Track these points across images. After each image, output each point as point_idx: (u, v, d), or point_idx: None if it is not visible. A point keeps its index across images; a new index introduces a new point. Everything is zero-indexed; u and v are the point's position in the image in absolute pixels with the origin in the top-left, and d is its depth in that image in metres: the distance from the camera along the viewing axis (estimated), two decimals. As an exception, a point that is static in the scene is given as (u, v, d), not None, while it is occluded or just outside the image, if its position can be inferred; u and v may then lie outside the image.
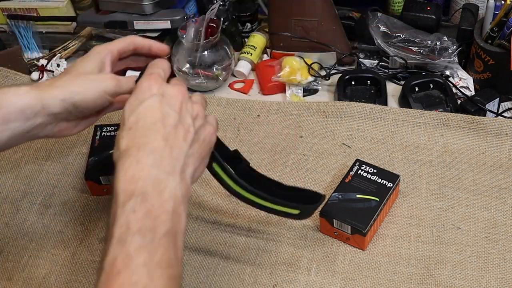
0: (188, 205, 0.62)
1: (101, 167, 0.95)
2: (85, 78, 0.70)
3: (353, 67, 1.17)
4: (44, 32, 1.27)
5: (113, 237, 0.56)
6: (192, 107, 0.65)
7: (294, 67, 1.12)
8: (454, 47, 1.10)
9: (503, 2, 1.03)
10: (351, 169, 0.90)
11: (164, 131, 0.61)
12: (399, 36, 1.12)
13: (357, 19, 1.20)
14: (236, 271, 0.84)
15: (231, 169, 0.73)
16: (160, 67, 0.68)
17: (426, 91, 1.08)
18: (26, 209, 0.95)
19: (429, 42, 1.11)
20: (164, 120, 0.61)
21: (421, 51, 1.11)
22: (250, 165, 0.79)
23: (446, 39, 1.10)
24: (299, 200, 0.79)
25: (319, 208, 0.86)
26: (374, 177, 0.89)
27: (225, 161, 0.73)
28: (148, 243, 0.56)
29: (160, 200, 0.57)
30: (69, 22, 1.26)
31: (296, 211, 0.79)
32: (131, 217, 0.56)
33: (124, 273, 0.54)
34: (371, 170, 0.90)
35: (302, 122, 1.05)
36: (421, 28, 1.14)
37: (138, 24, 1.12)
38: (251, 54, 1.19)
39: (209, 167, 0.71)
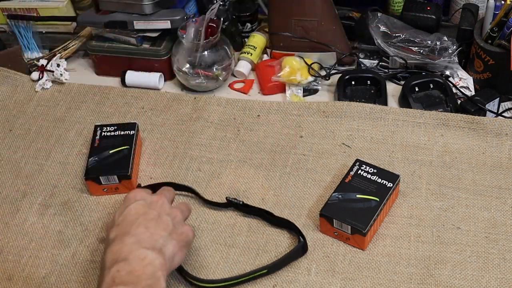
0: (166, 278, 0.71)
1: (101, 167, 0.95)
2: None
3: (353, 67, 1.17)
4: (44, 32, 1.27)
5: None
6: (170, 210, 0.78)
7: (294, 67, 1.12)
8: (454, 47, 1.10)
9: (503, 2, 1.03)
10: (351, 169, 0.90)
11: (145, 223, 0.74)
12: (399, 36, 1.12)
13: (357, 19, 1.20)
14: (236, 271, 0.84)
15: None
16: (143, 190, 0.83)
17: (426, 91, 1.08)
18: (26, 209, 0.95)
19: (429, 42, 1.11)
20: (146, 215, 0.75)
21: (421, 51, 1.11)
22: (243, 202, 0.91)
23: (446, 39, 1.10)
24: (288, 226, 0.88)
25: (319, 208, 0.86)
26: (374, 177, 0.89)
27: None
28: None
29: (140, 265, 0.69)
30: (69, 22, 1.26)
31: (265, 271, 0.83)
32: (116, 274, 0.68)
33: None
34: (371, 170, 0.90)
35: (302, 122, 1.05)
36: (421, 28, 1.14)
37: (138, 24, 1.12)
38: (251, 54, 1.19)
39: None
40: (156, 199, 0.79)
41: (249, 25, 1.26)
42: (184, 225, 0.79)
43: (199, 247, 0.87)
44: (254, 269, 0.83)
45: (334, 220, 0.84)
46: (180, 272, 0.83)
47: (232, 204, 0.92)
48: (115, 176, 0.94)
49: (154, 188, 0.89)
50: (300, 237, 0.85)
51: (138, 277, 0.68)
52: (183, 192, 0.95)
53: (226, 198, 0.92)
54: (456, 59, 1.10)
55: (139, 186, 0.94)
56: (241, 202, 0.91)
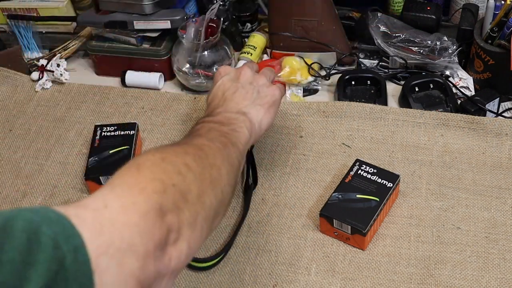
0: (252, 135, 0.79)
1: (101, 167, 0.95)
2: None
3: (353, 67, 1.17)
4: (44, 32, 1.27)
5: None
6: (253, 78, 0.86)
7: (294, 67, 1.12)
8: (454, 47, 1.10)
9: (503, 2, 1.03)
10: (351, 169, 0.90)
11: (230, 96, 0.82)
12: (399, 36, 1.12)
13: (357, 19, 1.20)
14: (236, 271, 0.84)
15: None
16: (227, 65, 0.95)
17: (426, 91, 1.08)
18: (26, 209, 0.95)
19: (429, 42, 1.10)
20: (230, 90, 0.84)
21: (421, 51, 1.11)
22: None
23: (446, 39, 1.10)
24: None
25: (319, 208, 0.86)
26: (374, 177, 0.88)
27: None
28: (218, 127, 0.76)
29: (225, 118, 0.78)
30: (69, 22, 1.26)
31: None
32: (200, 121, 0.78)
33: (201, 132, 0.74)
34: (371, 170, 0.90)
35: (302, 122, 1.05)
36: (421, 28, 1.14)
37: (138, 24, 1.12)
38: (251, 54, 1.19)
39: None
40: (239, 71, 0.87)
41: (249, 25, 1.26)
42: (269, 86, 0.86)
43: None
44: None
45: (334, 220, 0.84)
46: None
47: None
48: (115, 176, 0.94)
49: None
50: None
51: (221, 122, 0.76)
52: None
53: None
54: (456, 59, 1.10)
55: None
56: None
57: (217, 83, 0.86)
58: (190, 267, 0.84)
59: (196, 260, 0.84)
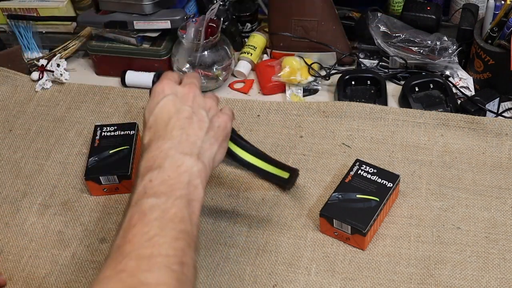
0: (206, 185, 0.66)
1: (101, 167, 0.95)
2: None
3: (353, 67, 1.17)
4: (44, 32, 1.27)
5: (131, 202, 0.63)
6: (204, 101, 0.72)
7: (294, 67, 1.12)
8: (454, 47, 1.10)
9: (503, 2, 1.03)
10: (351, 169, 0.90)
11: (180, 123, 0.67)
12: (399, 36, 1.12)
13: (357, 19, 1.20)
14: (236, 271, 0.84)
15: (237, 138, 0.81)
16: (171, 73, 0.75)
17: (426, 91, 1.08)
18: (26, 209, 0.95)
19: (429, 42, 1.10)
20: (179, 114, 0.68)
21: (421, 51, 1.11)
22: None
23: (446, 39, 1.10)
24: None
25: (319, 208, 0.86)
26: (374, 177, 0.88)
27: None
28: (162, 203, 0.62)
29: (176, 173, 0.64)
30: (69, 22, 1.26)
31: (286, 175, 0.89)
32: (148, 184, 0.63)
33: (138, 226, 0.60)
34: (371, 170, 0.90)
35: (302, 122, 1.05)
36: (421, 28, 1.14)
37: (138, 24, 1.12)
38: (251, 54, 1.19)
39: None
40: (187, 91, 0.71)
41: (249, 25, 1.26)
42: (220, 115, 0.72)
43: (199, 247, 0.87)
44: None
45: (334, 220, 0.84)
46: None
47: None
48: (115, 176, 0.94)
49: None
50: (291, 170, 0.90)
51: (172, 187, 0.63)
52: None
53: None
54: (456, 59, 1.10)
55: (156, 72, 0.84)
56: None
57: (160, 102, 0.69)
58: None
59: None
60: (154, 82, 0.80)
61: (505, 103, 1.07)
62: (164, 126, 0.67)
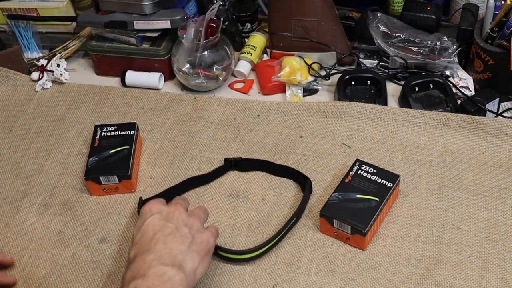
0: None
1: (101, 167, 0.95)
2: None
3: (353, 67, 1.17)
4: (44, 32, 1.27)
5: None
6: (188, 220, 0.77)
7: (294, 67, 1.12)
8: (454, 47, 1.10)
9: (503, 2, 1.03)
10: (351, 169, 0.90)
11: (163, 239, 0.72)
12: (399, 36, 1.12)
13: (357, 19, 1.20)
14: (236, 271, 0.84)
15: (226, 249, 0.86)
16: (157, 199, 0.81)
17: (426, 91, 1.08)
18: (26, 209, 0.95)
19: (429, 42, 1.10)
20: (163, 231, 0.73)
21: (421, 51, 1.11)
22: (241, 158, 0.97)
23: (446, 39, 1.10)
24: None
25: (319, 208, 0.86)
26: (374, 177, 0.88)
27: None
28: None
29: (159, 281, 0.67)
30: (69, 22, 1.26)
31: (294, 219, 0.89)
32: (138, 284, 0.67)
33: None
34: (371, 170, 0.90)
35: (302, 122, 1.05)
36: (421, 28, 1.14)
37: (138, 24, 1.12)
38: (251, 54, 1.19)
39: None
40: (172, 210, 0.77)
41: (249, 25, 1.26)
42: (203, 231, 0.77)
43: None
44: (285, 224, 0.87)
45: (334, 220, 0.84)
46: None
47: (230, 164, 0.97)
48: (115, 176, 0.94)
49: (163, 196, 0.89)
50: (304, 179, 0.93)
51: None
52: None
53: (225, 159, 0.97)
54: (456, 59, 1.10)
55: (140, 199, 0.92)
56: (238, 159, 0.97)
57: (147, 220, 0.75)
58: (229, 259, 0.85)
59: (237, 252, 0.85)
60: (139, 206, 0.91)
61: (505, 103, 1.07)
62: (149, 241, 0.73)
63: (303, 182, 0.93)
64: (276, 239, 0.85)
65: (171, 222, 0.75)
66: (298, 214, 0.89)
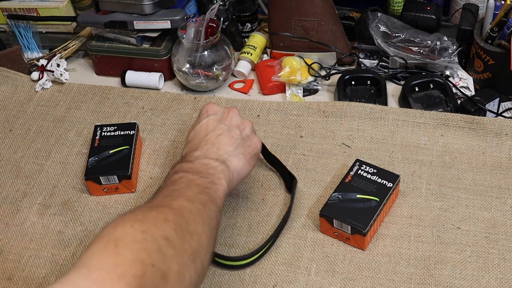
0: (228, 188, 0.75)
1: (101, 167, 0.95)
2: None
3: (353, 67, 1.17)
4: (44, 32, 1.27)
5: (161, 186, 0.73)
6: (242, 122, 0.82)
7: (294, 67, 1.12)
8: (454, 47, 1.10)
9: (503, 2, 1.03)
10: (351, 169, 0.90)
11: (213, 139, 0.78)
12: (399, 36, 1.12)
13: (357, 19, 1.20)
14: (236, 271, 0.84)
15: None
16: (215, 103, 0.86)
17: (426, 91, 1.08)
18: (26, 209, 0.95)
19: (429, 42, 1.11)
20: (215, 131, 0.79)
21: (421, 51, 1.11)
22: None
23: (446, 39, 1.10)
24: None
25: (319, 208, 0.86)
26: (374, 177, 0.88)
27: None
28: (190, 176, 0.72)
29: (203, 166, 0.74)
30: (69, 22, 1.26)
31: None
32: (178, 168, 0.75)
33: (168, 186, 0.72)
34: (371, 170, 0.90)
35: (302, 122, 1.05)
36: (421, 28, 1.14)
37: (138, 24, 1.12)
38: (251, 54, 1.19)
39: None
40: (227, 111, 0.82)
41: (249, 25, 1.26)
42: (253, 136, 0.82)
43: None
44: (278, 226, 0.87)
45: (334, 220, 0.84)
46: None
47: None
48: (115, 176, 0.94)
49: None
50: (289, 176, 0.94)
51: (199, 172, 0.72)
52: None
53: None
54: (456, 59, 1.10)
55: None
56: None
57: (202, 121, 0.81)
58: (225, 266, 0.85)
59: (233, 258, 0.84)
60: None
61: (505, 103, 1.07)
62: (199, 141, 0.79)
63: (289, 180, 0.94)
64: (267, 246, 0.85)
65: (224, 123, 0.80)
66: (286, 217, 0.89)
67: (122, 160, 0.96)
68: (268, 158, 0.97)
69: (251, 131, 0.83)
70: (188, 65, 1.11)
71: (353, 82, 1.11)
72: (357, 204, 0.85)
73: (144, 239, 0.57)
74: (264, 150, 0.96)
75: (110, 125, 1.01)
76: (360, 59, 1.17)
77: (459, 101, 1.07)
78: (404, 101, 1.07)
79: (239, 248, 0.87)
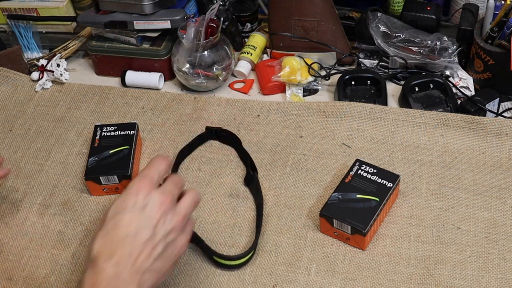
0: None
1: (101, 167, 0.95)
2: None
3: (353, 67, 1.17)
4: (44, 32, 1.27)
5: None
6: (171, 220, 0.68)
7: (294, 67, 1.12)
8: (454, 47, 1.10)
9: (503, 2, 1.03)
10: (351, 169, 0.90)
11: (131, 247, 0.65)
12: (399, 36, 1.12)
13: (357, 19, 1.20)
14: (236, 271, 0.84)
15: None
16: (157, 168, 0.70)
17: (426, 91, 1.08)
18: (26, 209, 0.95)
19: (429, 42, 1.11)
20: (136, 236, 0.65)
21: (421, 51, 1.11)
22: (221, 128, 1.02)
23: (446, 39, 1.10)
24: None
25: (319, 208, 0.86)
26: (374, 177, 0.88)
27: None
28: None
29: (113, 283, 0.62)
30: (69, 22, 1.26)
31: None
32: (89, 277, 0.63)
33: None
34: (371, 170, 0.90)
35: (302, 122, 1.05)
36: (421, 28, 1.14)
37: (138, 24, 1.12)
38: (251, 54, 1.19)
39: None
40: (158, 204, 0.67)
41: (249, 25, 1.26)
42: (179, 237, 0.69)
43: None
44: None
45: (334, 220, 0.84)
46: (205, 250, 0.86)
47: (211, 132, 1.02)
48: (115, 176, 0.94)
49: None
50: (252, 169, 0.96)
51: None
52: None
53: (206, 127, 1.03)
54: (456, 59, 1.10)
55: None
56: (219, 128, 1.02)
57: (128, 213, 0.66)
58: (221, 265, 0.85)
59: (228, 258, 0.84)
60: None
61: (505, 103, 1.07)
62: (117, 243, 0.65)
63: (250, 173, 0.95)
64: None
65: (149, 225, 0.66)
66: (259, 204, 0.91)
67: (122, 160, 0.96)
68: (241, 154, 1.00)
69: (179, 231, 0.69)
70: (188, 65, 1.11)
71: (353, 82, 1.11)
72: (357, 204, 0.85)
73: None
74: (239, 146, 1.00)
75: (110, 125, 1.01)
76: (360, 59, 1.17)
77: (459, 101, 1.07)
78: (404, 101, 1.07)
79: (239, 248, 0.87)
